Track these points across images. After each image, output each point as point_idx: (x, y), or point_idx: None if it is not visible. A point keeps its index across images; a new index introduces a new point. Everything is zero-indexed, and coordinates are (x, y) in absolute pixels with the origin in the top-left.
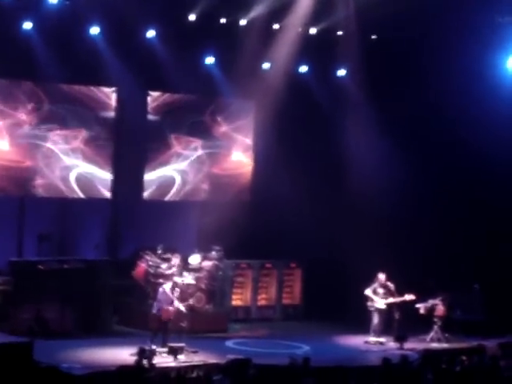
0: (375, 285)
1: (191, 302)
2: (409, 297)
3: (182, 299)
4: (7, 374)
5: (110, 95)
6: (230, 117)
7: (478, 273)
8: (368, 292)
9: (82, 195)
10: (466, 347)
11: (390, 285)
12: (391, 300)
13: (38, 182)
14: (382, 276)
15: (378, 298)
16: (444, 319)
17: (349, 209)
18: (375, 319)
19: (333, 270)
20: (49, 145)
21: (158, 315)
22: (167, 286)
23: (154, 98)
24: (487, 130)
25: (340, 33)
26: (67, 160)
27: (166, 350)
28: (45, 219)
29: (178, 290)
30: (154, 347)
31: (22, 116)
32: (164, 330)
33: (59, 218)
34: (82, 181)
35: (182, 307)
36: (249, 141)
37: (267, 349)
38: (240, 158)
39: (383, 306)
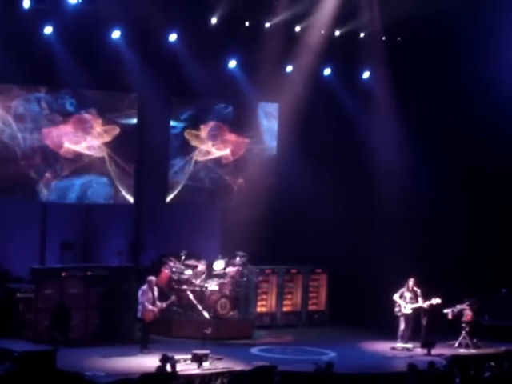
0: (403, 289)
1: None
2: (435, 300)
3: (206, 306)
4: (30, 381)
5: (131, 100)
6: (253, 120)
7: (505, 277)
8: (396, 297)
9: (104, 201)
10: (494, 352)
11: (417, 290)
12: (417, 304)
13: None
14: (411, 281)
15: (404, 302)
16: (472, 324)
17: (374, 214)
18: (402, 325)
19: (358, 275)
20: (70, 147)
21: (141, 318)
22: (145, 287)
23: (177, 103)
24: None
25: (364, 35)
26: (89, 164)
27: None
28: (67, 226)
29: (156, 288)
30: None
31: (43, 121)
32: (146, 332)
33: (82, 224)
34: (104, 186)
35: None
36: (272, 144)
37: (292, 355)
38: (262, 162)
39: (409, 311)
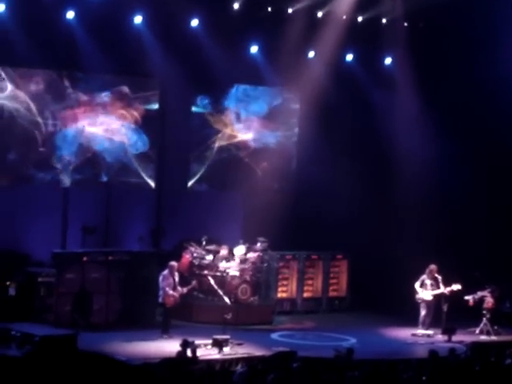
0: (424, 276)
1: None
2: (456, 286)
3: (226, 291)
4: (52, 365)
5: (153, 85)
6: (273, 106)
7: None
8: (416, 286)
9: (127, 184)
10: None
11: (438, 277)
12: (439, 291)
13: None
14: (433, 267)
15: (425, 289)
16: (493, 311)
17: (395, 201)
18: (423, 311)
19: (379, 261)
20: (90, 130)
21: (163, 303)
22: (165, 272)
23: (199, 88)
24: None
25: (387, 21)
26: (111, 149)
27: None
28: (89, 210)
29: (177, 273)
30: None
31: (63, 105)
32: (167, 317)
33: (103, 209)
34: (127, 170)
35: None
36: (295, 130)
37: (313, 341)
38: (283, 148)
39: (430, 298)
